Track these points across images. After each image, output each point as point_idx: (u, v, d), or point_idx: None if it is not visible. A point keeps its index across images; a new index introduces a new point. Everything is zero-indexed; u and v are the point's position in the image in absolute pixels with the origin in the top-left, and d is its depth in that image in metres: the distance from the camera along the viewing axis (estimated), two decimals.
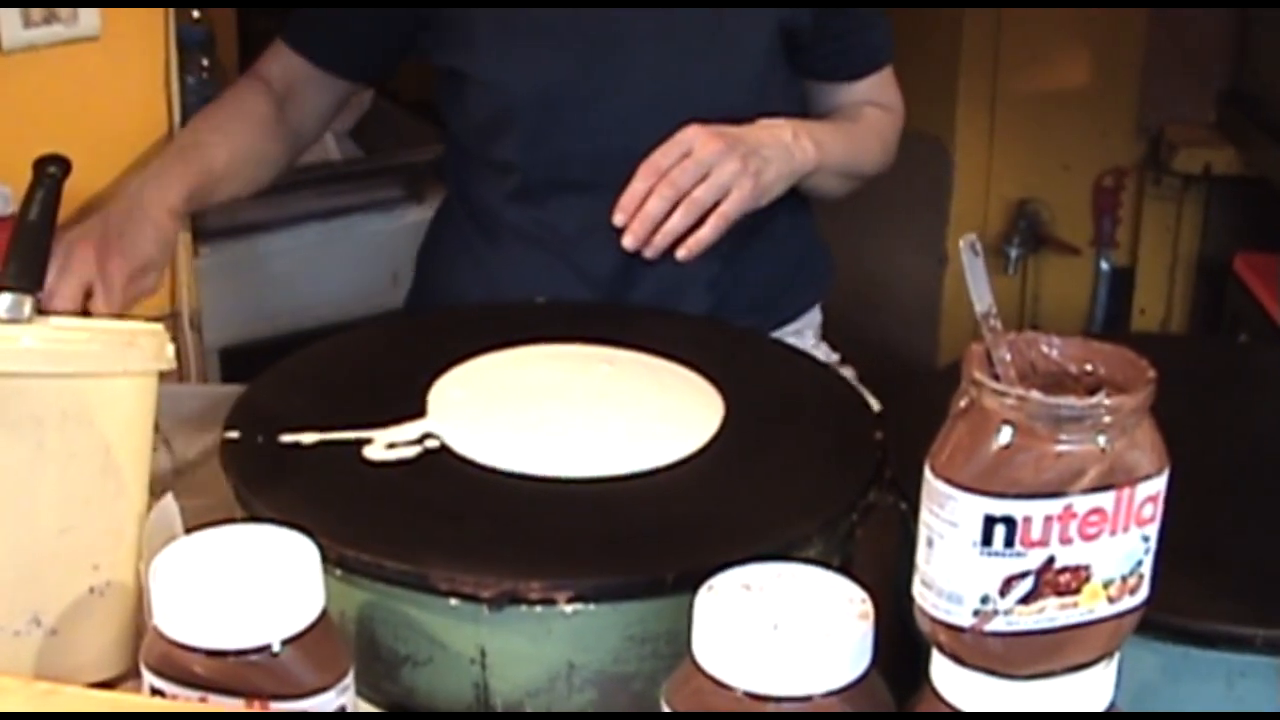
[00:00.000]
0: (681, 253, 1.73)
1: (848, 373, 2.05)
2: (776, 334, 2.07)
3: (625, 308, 1.88)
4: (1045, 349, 1.00)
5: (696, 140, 1.73)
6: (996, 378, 0.96)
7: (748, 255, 1.98)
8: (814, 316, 2.18)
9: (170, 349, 1.29)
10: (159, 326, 1.30)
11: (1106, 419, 0.92)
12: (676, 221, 1.72)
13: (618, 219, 1.73)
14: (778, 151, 1.80)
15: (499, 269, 2.03)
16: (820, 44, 1.99)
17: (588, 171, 1.92)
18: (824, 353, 2.13)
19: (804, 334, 2.13)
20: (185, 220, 1.86)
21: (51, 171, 1.42)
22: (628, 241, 1.73)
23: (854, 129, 2.00)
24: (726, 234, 1.76)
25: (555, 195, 1.97)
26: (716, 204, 1.73)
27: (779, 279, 2.07)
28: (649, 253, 1.74)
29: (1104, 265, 3.77)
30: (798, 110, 1.98)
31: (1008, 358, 0.98)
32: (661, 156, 1.73)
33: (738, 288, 1.99)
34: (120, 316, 1.65)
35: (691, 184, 1.71)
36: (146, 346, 1.26)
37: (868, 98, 2.07)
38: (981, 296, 1.00)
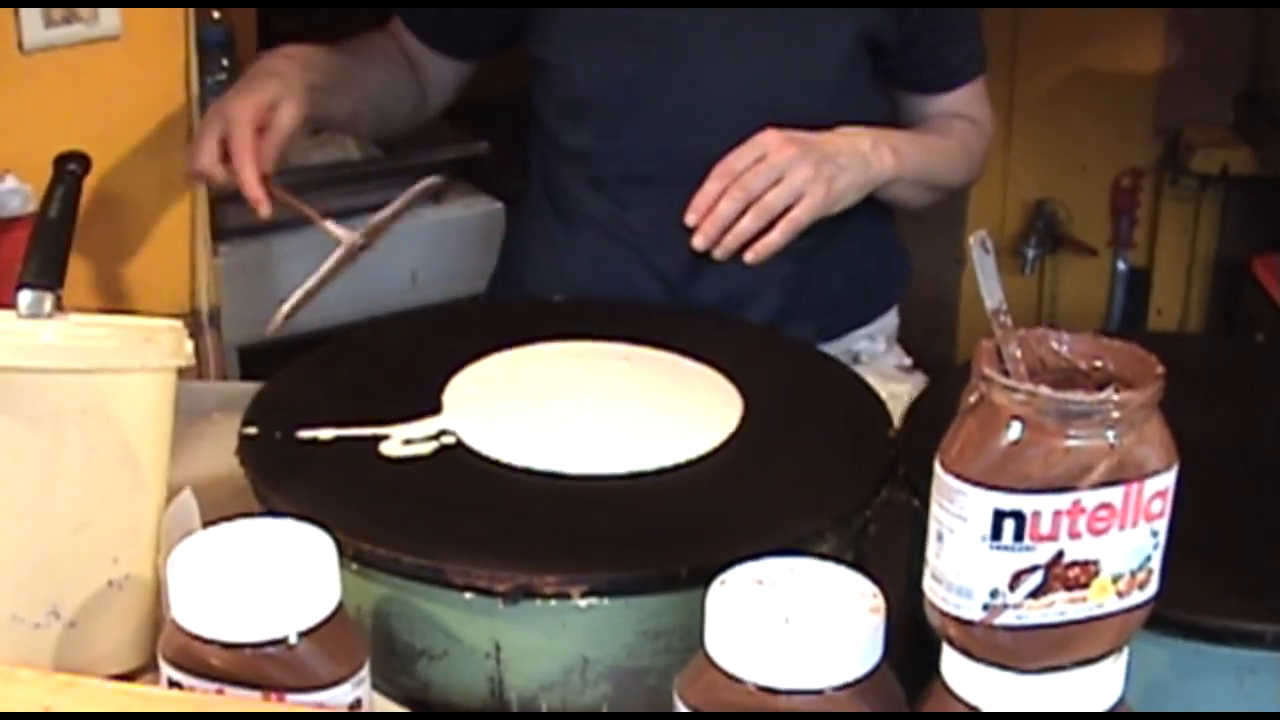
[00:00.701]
0: (749, 256, 1.74)
1: (919, 379, 2.04)
2: (848, 337, 2.09)
3: (642, 305, 1.88)
4: (1055, 345, 1.01)
5: (771, 144, 1.73)
6: (1006, 373, 0.96)
7: (821, 258, 1.97)
8: (889, 320, 2.17)
9: (189, 345, 1.30)
10: (178, 323, 1.31)
11: (1115, 414, 0.92)
12: (746, 224, 1.73)
13: (689, 219, 1.74)
14: (853, 160, 1.81)
15: (574, 257, 2.05)
16: (909, 54, 1.99)
17: (659, 167, 1.93)
18: (896, 357, 2.13)
19: (876, 338, 2.13)
20: (307, 74, 1.93)
21: (72, 169, 1.43)
22: (698, 241, 1.74)
23: (939, 141, 2.00)
24: (800, 236, 1.76)
25: (627, 188, 1.98)
26: (788, 209, 1.73)
27: (852, 282, 2.06)
28: (718, 254, 1.75)
29: (1121, 265, 3.77)
30: (881, 118, 1.98)
31: (1018, 354, 0.99)
32: (735, 159, 1.73)
33: (809, 290, 1.99)
34: (148, 313, 1.66)
35: (764, 188, 1.72)
36: (164, 343, 1.27)
37: (956, 110, 2.07)
38: (992, 293, 1.01)
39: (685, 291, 1.95)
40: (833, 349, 2.04)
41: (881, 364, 2.08)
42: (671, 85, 1.91)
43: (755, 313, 1.96)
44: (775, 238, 1.74)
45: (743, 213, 1.73)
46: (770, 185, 1.72)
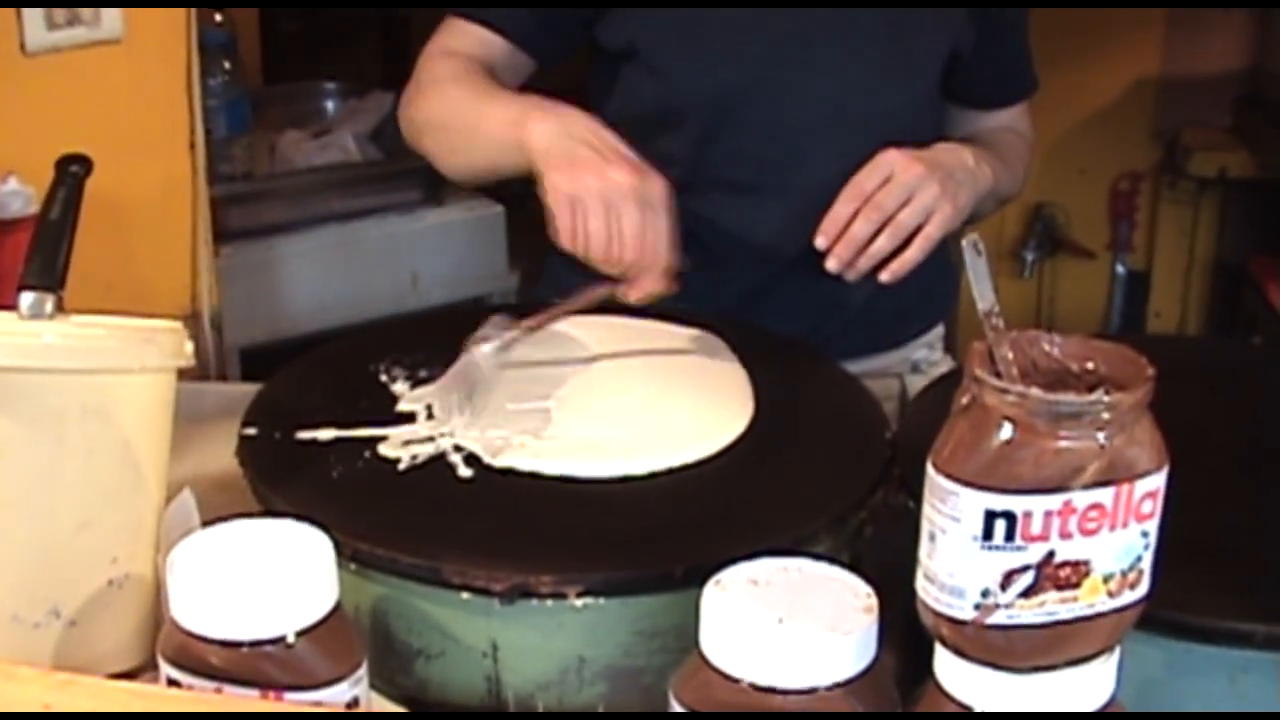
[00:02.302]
0: (885, 276, 1.73)
1: None
2: (909, 346, 2.10)
3: (644, 308, 1.87)
4: (1046, 347, 1.01)
5: (898, 164, 1.72)
6: (998, 375, 0.97)
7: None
8: (940, 329, 2.18)
9: (189, 346, 1.30)
10: (178, 324, 1.31)
11: (1105, 415, 0.93)
12: (883, 244, 1.72)
13: (820, 242, 1.72)
14: (966, 175, 1.81)
15: None
16: (978, 70, 2.00)
17: (751, 174, 1.92)
18: (948, 365, 2.12)
19: (934, 346, 2.13)
20: None
21: (74, 171, 1.43)
22: (831, 264, 1.72)
23: (1005, 154, 2.01)
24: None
25: (714, 193, 1.94)
26: (919, 227, 1.73)
27: (916, 295, 2.03)
28: (851, 275, 1.73)
29: (1120, 269, 3.78)
30: (943, 132, 1.99)
31: (1009, 355, 0.99)
32: (865, 179, 1.72)
33: (876, 303, 1.97)
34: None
35: (896, 207, 1.71)
36: (164, 343, 1.27)
37: (1007, 124, 2.09)
38: (984, 294, 1.01)
39: (761, 298, 1.93)
40: (894, 358, 2.05)
41: (938, 372, 2.08)
42: (773, 94, 1.89)
43: (826, 321, 1.95)
44: (912, 255, 1.73)
45: (876, 233, 1.72)
46: (902, 204, 1.71)
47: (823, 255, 1.73)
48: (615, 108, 1.95)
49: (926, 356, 2.10)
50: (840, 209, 1.72)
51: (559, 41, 1.97)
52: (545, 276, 2.15)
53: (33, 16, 1.84)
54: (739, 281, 1.94)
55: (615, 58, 1.95)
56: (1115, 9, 3.51)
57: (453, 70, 1.90)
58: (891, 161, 1.72)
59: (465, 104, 1.85)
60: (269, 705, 1.06)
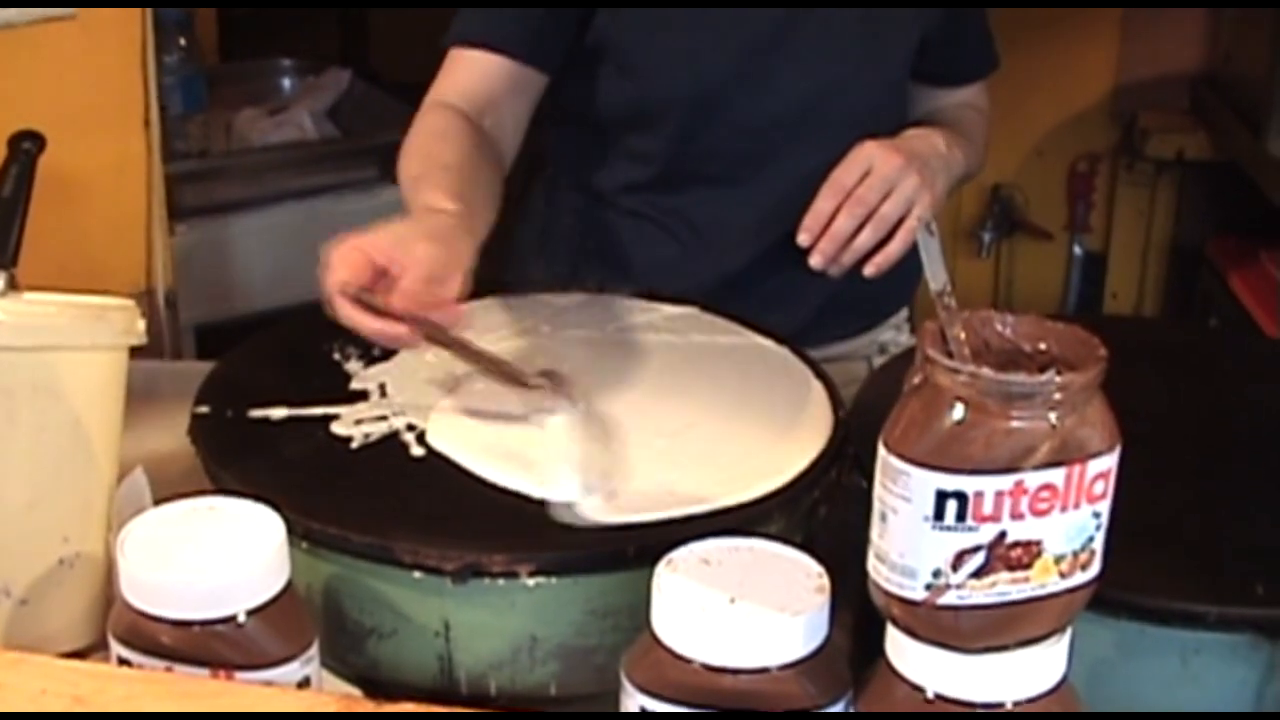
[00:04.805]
0: (870, 270, 1.73)
1: None
2: (877, 329, 2.10)
3: (602, 296, 1.86)
4: (999, 327, 1.01)
5: (877, 156, 1.72)
6: (950, 355, 0.97)
7: (861, 262, 1.95)
8: (905, 311, 2.18)
9: (141, 324, 1.30)
10: (130, 302, 1.31)
11: (1057, 396, 0.93)
12: (866, 239, 1.72)
13: (802, 239, 1.72)
14: (940, 162, 1.81)
15: (611, 253, 2.01)
16: (942, 49, 2.00)
17: (727, 167, 1.92)
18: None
19: (901, 328, 2.13)
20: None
21: (26, 148, 1.43)
22: (815, 261, 1.73)
23: (969, 133, 2.01)
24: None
25: (689, 187, 1.94)
26: (900, 219, 1.73)
27: (885, 282, 2.03)
28: (834, 270, 1.74)
29: (1077, 250, 3.79)
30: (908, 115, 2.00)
31: (961, 335, 0.99)
32: (844, 174, 1.72)
33: (848, 289, 1.95)
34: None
35: (878, 201, 1.71)
36: (116, 321, 1.27)
37: (967, 100, 2.09)
38: (936, 275, 1.01)
39: (734, 288, 1.92)
40: (863, 342, 2.05)
41: None
42: (746, 92, 1.88)
43: (799, 311, 1.94)
44: (896, 248, 1.73)
45: (859, 228, 1.72)
46: (883, 198, 1.71)
47: (797, 246, 1.73)
48: (588, 108, 1.95)
49: (894, 338, 2.10)
50: (822, 205, 1.71)
51: (559, 51, 1.91)
52: (512, 261, 2.14)
53: None
54: (714, 271, 1.93)
55: (587, 58, 1.93)
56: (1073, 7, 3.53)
57: (425, 131, 1.83)
58: (870, 155, 1.72)
59: (404, 182, 1.79)
60: (220, 684, 1.06)
